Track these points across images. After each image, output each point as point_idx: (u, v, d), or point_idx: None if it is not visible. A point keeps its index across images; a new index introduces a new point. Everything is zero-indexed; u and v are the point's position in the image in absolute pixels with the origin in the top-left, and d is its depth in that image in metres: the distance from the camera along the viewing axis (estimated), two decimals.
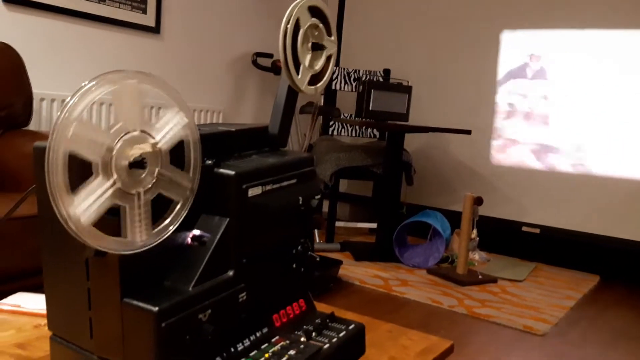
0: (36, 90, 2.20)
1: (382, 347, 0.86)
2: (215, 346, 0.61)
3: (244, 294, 0.64)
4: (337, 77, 3.32)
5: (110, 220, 0.54)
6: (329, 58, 0.77)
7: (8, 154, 1.78)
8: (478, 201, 2.60)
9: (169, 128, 0.56)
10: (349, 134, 3.40)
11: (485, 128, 3.26)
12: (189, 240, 0.62)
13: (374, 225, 3.11)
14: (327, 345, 0.68)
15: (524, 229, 3.16)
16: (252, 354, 0.65)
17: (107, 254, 0.55)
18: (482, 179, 3.29)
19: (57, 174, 0.50)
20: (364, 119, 2.76)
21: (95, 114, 2.50)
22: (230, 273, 0.63)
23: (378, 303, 2.25)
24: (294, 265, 0.73)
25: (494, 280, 2.64)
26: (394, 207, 2.89)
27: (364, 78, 3.32)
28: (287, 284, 0.73)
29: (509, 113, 3.23)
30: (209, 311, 0.59)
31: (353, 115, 3.07)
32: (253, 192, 0.64)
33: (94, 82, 0.51)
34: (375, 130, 3.43)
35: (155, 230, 0.56)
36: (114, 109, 0.53)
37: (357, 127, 3.40)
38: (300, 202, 0.71)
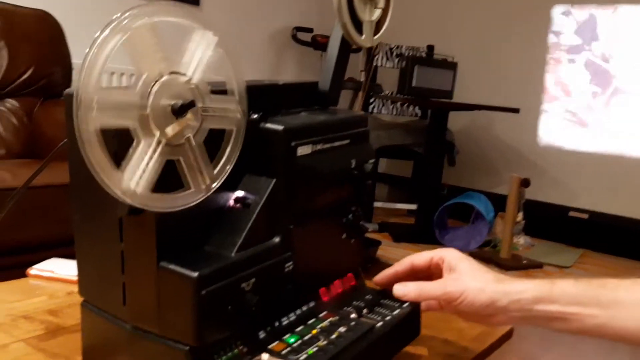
0: (76, 60, 2.17)
1: (435, 329, 0.79)
2: (258, 319, 0.55)
3: (291, 263, 0.58)
4: (378, 53, 3.21)
5: (168, 176, 0.48)
6: (385, 9, 0.70)
7: (46, 122, 1.77)
8: (525, 183, 2.49)
9: (198, 57, 0.50)
10: (390, 112, 3.31)
11: (533, 107, 3.12)
12: (232, 202, 0.56)
13: (413, 207, 3.02)
14: (380, 324, 0.62)
15: (572, 214, 3.02)
16: (298, 329, 0.59)
17: (143, 212, 0.50)
18: (529, 161, 3.16)
19: (95, 153, 0.45)
20: (406, 96, 2.66)
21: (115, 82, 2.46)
22: (277, 240, 0.57)
23: None
24: (344, 236, 0.67)
25: (539, 265, 2.53)
26: (435, 188, 2.79)
27: (406, 54, 3.21)
28: (336, 255, 0.66)
29: (558, 92, 3.08)
30: (253, 280, 0.53)
31: (394, 93, 2.97)
32: (302, 150, 0.58)
33: (95, 48, 0.44)
34: (417, 109, 3.33)
35: (217, 170, 0.51)
36: (131, 60, 0.47)
37: (399, 105, 3.30)
38: (353, 166, 0.64)
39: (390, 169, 3.65)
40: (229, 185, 0.56)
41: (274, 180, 0.56)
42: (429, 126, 2.76)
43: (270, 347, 0.55)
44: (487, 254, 2.56)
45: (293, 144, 0.57)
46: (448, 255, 0.64)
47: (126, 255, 0.53)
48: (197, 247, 0.54)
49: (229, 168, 0.52)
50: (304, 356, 0.54)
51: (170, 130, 0.47)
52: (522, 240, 2.65)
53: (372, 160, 0.66)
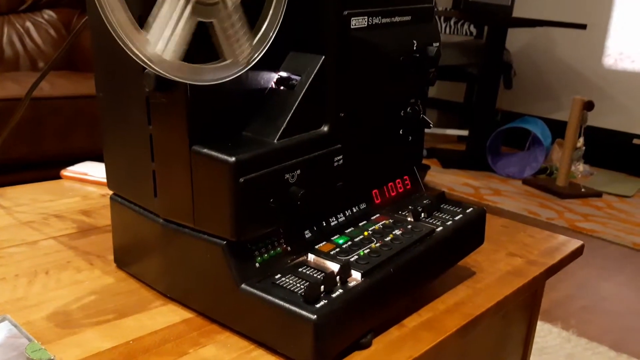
0: None
1: (497, 242, 0.71)
2: (304, 216, 0.49)
3: (341, 157, 0.51)
4: None
5: (201, 44, 0.41)
6: None
7: (84, 33, 1.71)
8: (588, 106, 2.32)
9: None
10: (443, 31, 3.12)
11: (600, 25, 2.88)
12: (274, 83, 0.49)
13: (464, 133, 2.89)
14: (440, 228, 0.54)
15: (635, 141, 2.83)
16: (348, 230, 0.52)
17: (173, 88, 0.43)
18: (591, 85, 2.95)
19: (114, 9, 0.38)
20: (461, 12, 2.48)
21: None
22: (325, 129, 0.50)
23: None
24: (401, 132, 0.59)
25: (598, 194, 2.40)
26: (489, 112, 2.65)
27: None
28: (391, 153, 0.59)
29: (627, 9, 2.82)
30: (298, 172, 0.46)
31: (448, 9, 2.78)
32: (357, 22, 0.49)
33: None
34: (472, 28, 3.13)
35: (258, 37, 0.44)
36: None
37: (452, 23, 3.11)
38: (415, 48, 0.55)
39: (440, 93, 3.49)
40: (271, 64, 0.48)
41: (323, 57, 0.48)
42: (486, 45, 2.58)
43: (317, 247, 0.49)
44: (543, 182, 2.44)
45: (346, 12, 0.48)
46: None
47: (155, 139, 0.47)
48: (235, 132, 0.47)
49: (272, 35, 0.45)
50: (355, 257, 0.47)
51: None
52: (581, 167, 2.50)
53: (437, 44, 0.57)
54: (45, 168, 1.34)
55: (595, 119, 2.82)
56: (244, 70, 0.44)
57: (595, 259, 1.77)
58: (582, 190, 2.38)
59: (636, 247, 1.89)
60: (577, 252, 0.74)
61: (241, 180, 0.42)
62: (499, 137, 2.61)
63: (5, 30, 1.74)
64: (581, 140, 2.36)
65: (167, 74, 0.40)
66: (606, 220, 2.11)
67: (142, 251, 0.52)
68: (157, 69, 0.40)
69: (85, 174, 0.78)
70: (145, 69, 0.40)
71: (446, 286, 0.58)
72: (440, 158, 2.73)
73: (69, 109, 1.36)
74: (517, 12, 2.67)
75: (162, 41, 0.40)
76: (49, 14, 1.77)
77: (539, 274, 0.65)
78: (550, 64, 3.08)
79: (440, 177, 2.47)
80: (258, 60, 0.45)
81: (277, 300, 0.42)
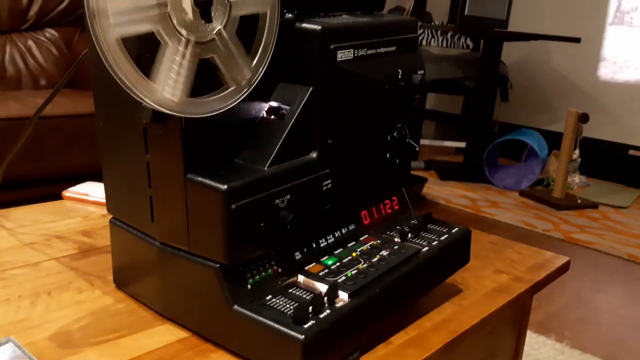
0: None
1: (485, 259, 0.74)
2: (294, 239, 0.51)
3: (329, 181, 0.53)
4: None
5: (204, 79, 0.45)
6: None
7: (82, 50, 1.74)
8: (583, 118, 2.34)
9: None
10: (439, 44, 3.16)
11: (594, 39, 2.92)
12: (265, 113, 0.51)
13: (461, 145, 2.92)
14: (426, 248, 0.57)
15: (631, 152, 2.86)
16: (337, 251, 0.55)
17: (168, 119, 0.45)
18: (587, 97, 2.98)
19: (120, 65, 0.41)
20: (458, 26, 2.52)
21: None
22: (314, 155, 0.52)
23: (465, 224, 2.10)
24: (388, 155, 0.61)
25: (594, 205, 2.42)
26: (485, 124, 2.68)
27: None
28: (379, 176, 0.61)
29: (621, 23, 2.85)
30: (288, 197, 0.49)
31: (445, 23, 2.82)
32: (343, 55, 0.52)
33: None
34: (468, 41, 3.16)
35: (256, 61, 0.47)
36: None
37: (449, 37, 3.14)
38: (400, 76, 0.58)
39: (438, 105, 3.53)
40: (262, 95, 0.51)
41: (311, 89, 0.51)
42: (482, 58, 2.62)
43: (307, 268, 0.51)
44: (539, 193, 2.46)
45: (332, 47, 0.50)
46: None
47: (152, 167, 0.49)
48: (228, 160, 0.49)
49: (268, 58, 0.47)
50: (343, 278, 0.50)
51: (197, 26, 0.42)
52: (577, 179, 2.52)
53: (421, 72, 0.60)
54: (47, 185, 1.37)
55: (590, 131, 2.85)
56: (246, 93, 0.46)
57: (590, 271, 1.79)
58: (579, 201, 2.40)
59: (631, 258, 1.91)
60: (564, 268, 0.76)
61: (233, 206, 0.45)
62: (496, 149, 2.63)
63: (7, 48, 1.77)
64: (577, 152, 2.39)
65: (178, 114, 0.43)
66: (602, 232, 2.13)
67: (140, 273, 0.54)
68: (167, 111, 0.43)
69: (86, 195, 0.80)
70: (142, 103, 0.43)
71: (433, 303, 0.60)
72: (438, 170, 2.76)
73: (69, 127, 1.39)
74: (513, 26, 2.70)
75: (168, 86, 0.42)
76: (50, 32, 1.80)
77: (524, 291, 0.67)
78: (546, 76, 3.12)
79: (437, 189, 2.50)
80: (249, 93, 0.47)
81: (267, 321, 0.45)
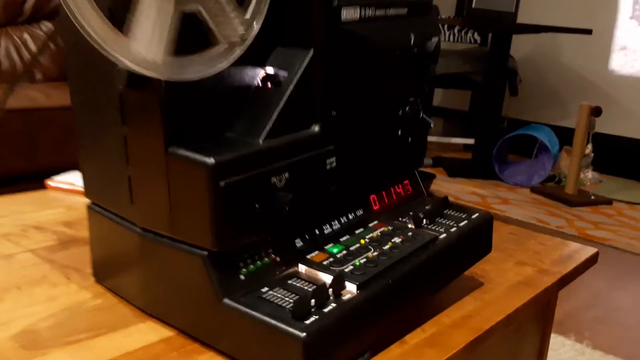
0: None
1: (506, 250, 0.67)
2: (294, 223, 0.45)
3: (333, 159, 0.47)
4: None
5: (190, 32, 0.38)
6: None
7: None
8: (596, 112, 2.27)
9: None
10: (446, 39, 3.09)
11: (606, 30, 2.84)
12: (259, 80, 0.45)
13: (469, 141, 2.84)
14: (443, 235, 0.50)
15: None
16: (343, 239, 0.48)
17: (146, 85, 0.39)
18: (598, 91, 2.91)
19: (86, 16, 0.35)
20: (464, 19, 2.45)
21: None
22: (316, 129, 0.46)
23: None
24: (400, 132, 0.55)
25: (608, 201, 2.34)
26: (494, 119, 2.60)
27: None
28: (389, 156, 0.55)
29: (635, 13, 2.78)
30: (286, 175, 0.42)
31: (452, 17, 2.75)
32: (348, 14, 0.45)
33: None
34: (476, 36, 3.09)
35: (249, 12, 0.41)
36: None
37: (456, 31, 3.07)
38: (412, 42, 0.52)
39: (445, 101, 3.46)
40: (256, 59, 0.45)
41: (311, 52, 0.44)
42: (490, 52, 2.55)
43: (309, 257, 0.45)
44: (551, 190, 2.39)
45: (336, 3, 0.44)
46: None
47: (130, 141, 0.43)
48: (217, 133, 0.43)
49: (263, 11, 0.41)
50: (350, 267, 0.43)
51: None
52: (590, 174, 2.44)
53: (436, 38, 0.53)
54: (41, 180, 1.31)
55: (603, 125, 2.77)
56: (239, 54, 0.40)
57: (607, 268, 1.71)
58: (592, 197, 2.33)
59: None
60: (591, 260, 0.69)
61: (222, 184, 0.38)
62: (505, 145, 2.56)
63: (3, 42, 1.72)
64: (589, 146, 2.31)
65: (158, 76, 0.37)
66: (617, 228, 2.06)
67: (120, 264, 0.48)
68: (145, 72, 0.36)
69: (72, 184, 0.74)
70: (117, 65, 0.37)
71: (451, 298, 0.53)
72: (446, 167, 2.69)
73: (64, 120, 1.33)
74: (522, 18, 2.63)
75: (145, 42, 0.36)
76: (47, 25, 1.75)
77: (552, 284, 0.60)
78: (556, 69, 3.04)
79: (446, 187, 2.43)
80: (242, 56, 0.41)
81: (262, 317, 0.38)
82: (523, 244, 0.70)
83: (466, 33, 3.09)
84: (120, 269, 0.48)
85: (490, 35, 2.77)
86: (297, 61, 0.45)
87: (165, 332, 0.44)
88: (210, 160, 0.38)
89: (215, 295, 0.40)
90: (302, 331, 0.36)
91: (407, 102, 0.54)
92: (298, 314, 0.38)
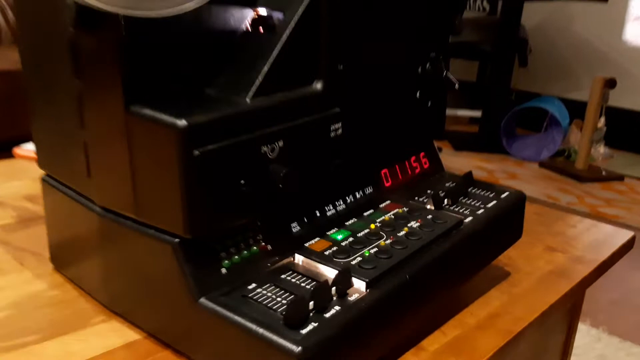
0: None
1: (532, 233, 0.59)
2: (289, 203, 0.36)
3: (339, 125, 0.38)
4: None
5: None
6: None
7: None
8: (610, 84, 2.17)
9: None
10: None
11: (621, 0, 2.71)
12: (248, 24, 0.36)
13: (476, 114, 2.74)
14: (469, 219, 0.42)
15: None
16: (349, 222, 0.40)
17: (101, 24, 0.30)
18: (612, 62, 2.79)
19: None
20: None
21: None
22: (318, 86, 0.37)
23: None
24: (418, 94, 0.46)
25: (620, 177, 2.26)
26: (503, 91, 2.50)
27: None
28: (406, 122, 0.46)
29: None
30: (280, 143, 0.34)
31: None
32: None
33: None
34: (485, 3, 2.97)
35: None
36: None
37: None
38: None
39: (451, 71, 3.33)
40: None
41: None
42: (500, 20, 2.43)
43: (307, 245, 0.37)
44: (561, 165, 2.30)
45: None
46: None
47: (84, 97, 0.34)
48: (194, 88, 0.34)
49: None
50: (358, 259, 0.35)
51: None
52: (601, 149, 2.35)
53: None
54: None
55: (614, 99, 2.66)
56: None
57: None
58: (603, 173, 2.24)
59: None
60: (628, 245, 0.61)
61: (195, 153, 0.30)
62: (513, 117, 2.46)
63: None
64: (602, 120, 2.22)
65: (115, 10, 0.28)
66: (630, 205, 1.98)
67: (79, 249, 0.40)
68: (99, 5, 0.28)
69: None
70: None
71: (475, 291, 0.45)
72: (452, 140, 2.59)
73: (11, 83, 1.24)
74: None
75: None
76: None
77: (588, 275, 0.52)
78: (568, 40, 2.92)
79: (452, 160, 2.34)
80: None
81: (247, 323, 0.30)
82: (550, 226, 0.62)
83: (475, 1, 2.96)
84: (80, 255, 0.40)
85: (500, 2, 2.65)
86: (296, 0, 0.35)
87: (130, 335, 0.36)
88: (181, 123, 0.29)
89: (188, 293, 0.32)
90: (297, 344, 0.28)
91: (427, 58, 0.45)
92: (292, 320, 0.29)
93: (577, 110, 2.43)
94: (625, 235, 0.61)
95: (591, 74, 2.70)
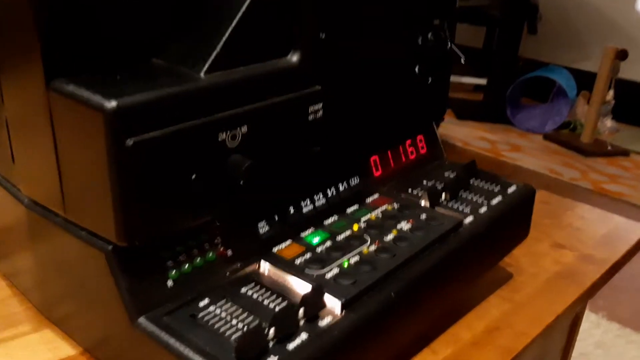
0: None
1: (539, 227, 0.53)
2: (254, 201, 0.30)
3: (320, 105, 0.32)
4: None
5: None
6: None
7: None
8: (622, 55, 2.08)
9: None
10: None
11: None
12: None
13: (481, 82, 2.65)
14: (469, 219, 0.36)
15: None
16: (328, 221, 0.34)
17: None
18: (624, 32, 2.69)
19: None
20: None
21: None
22: (294, 58, 0.30)
23: (483, 168, 1.90)
24: (417, 69, 0.39)
25: (625, 152, 2.19)
26: (510, 59, 2.41)
27: None
28: (401, 101, 0.40)
29: None
30: (244, 129, 0.27)
31: None
32: None
33: None
34: None
35: None
36: None
37: None
38: None
39: (457, 37, 3.23)
40: None
41: None
42: None
43: (275, 250, 0.31)
44: (566, 137, 2.23)
45: None
46: None
47: (3, 69, 0.28)
48: (136, 59, 0.28)
49: None
50: (335, 270, 0.29)
51: None
52: (608, 123, 2.28)
53: None
54: None
55: (624, 71, 2.57)
56: None
57: None
58: (609, 147, 2.17)
59: None
60: None
61: (129, 142, 0.23)
62: (519, 87, 2.38)
63: None
64: (611, 93, 2.14)
65: None
66: (634, 182, 1.92)
67: (9, 243, 0.34)
68: None
69: None
70: None
71: (472, 299, 0.40)
72: (455, 108, 2.51)
73: None
74: None
75: None
76: None
77: (599, 278, 0.47)
78: (580, 8, 2.81)
79: (454, 130, 2.27)
80: None
81: (191, 354, 0.24)
82: (559, 218, 0.56)
83: None
84: (11, 250, 0.34)
85: None
86: None
87: (63, 350, 0.30)
88: (110, 104, 0.23)
89: (124, 311, 0.26)
90: None
91: (429, 26, 0.38)
92: (246, 354, 0.24)
93: (585, 81, 2.34)
94: (638, 229, 0.56)
95: (601, 43, 2.60)
